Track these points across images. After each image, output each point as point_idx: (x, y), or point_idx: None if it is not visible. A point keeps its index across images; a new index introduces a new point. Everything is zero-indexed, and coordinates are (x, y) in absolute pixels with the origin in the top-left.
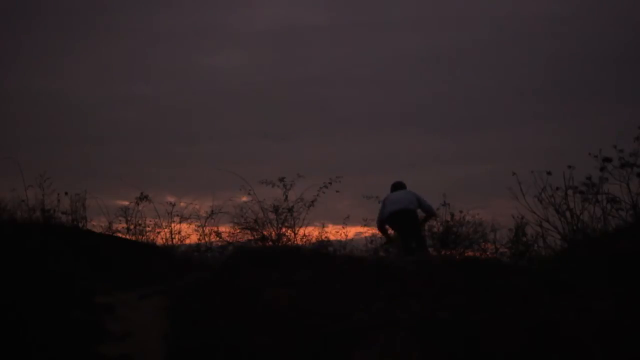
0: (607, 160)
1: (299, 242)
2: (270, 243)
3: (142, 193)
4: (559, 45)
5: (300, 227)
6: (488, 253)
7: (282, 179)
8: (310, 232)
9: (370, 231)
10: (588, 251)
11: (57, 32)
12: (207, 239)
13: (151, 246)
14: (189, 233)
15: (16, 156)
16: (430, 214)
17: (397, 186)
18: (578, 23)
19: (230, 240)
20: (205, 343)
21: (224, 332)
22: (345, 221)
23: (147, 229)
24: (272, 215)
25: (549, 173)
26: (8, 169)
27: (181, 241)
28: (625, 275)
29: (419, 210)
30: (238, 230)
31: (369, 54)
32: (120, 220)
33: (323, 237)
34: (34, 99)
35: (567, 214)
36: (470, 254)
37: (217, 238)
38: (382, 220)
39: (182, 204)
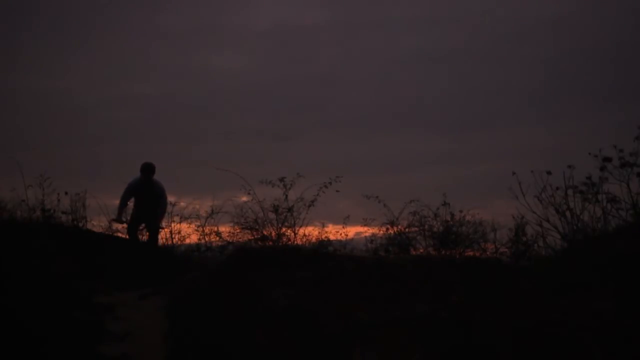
0: (607, 160)
1: (299, 242)
2: (270, 243)
3: None
4: (559, 45)
5: (300, 227)
6: (488, 253)
7: (282, 179)
8: (310, 232)
9: (370, 231)
10: (588, 251)
11: (58, 32)
12: (207, 239)
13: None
14: (189, 233)
15: (16, 156)
16: None
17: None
18: (577, 23)
19: (230, 240)
20: (205, 343)
21: (224, 332)
22: (345, 221)
23: None
24: (272, 215)
25: (549, 173)
26: (8, 169)
27: (181, 241)
28: (625, 275)
29: None
30: (238, 230)
31: (369, 53)
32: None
33: (323, 237)
34: (34, 99)
35: (567, 214)
36: (470, 253)
37: (217, 238)
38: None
39: (182, 204)
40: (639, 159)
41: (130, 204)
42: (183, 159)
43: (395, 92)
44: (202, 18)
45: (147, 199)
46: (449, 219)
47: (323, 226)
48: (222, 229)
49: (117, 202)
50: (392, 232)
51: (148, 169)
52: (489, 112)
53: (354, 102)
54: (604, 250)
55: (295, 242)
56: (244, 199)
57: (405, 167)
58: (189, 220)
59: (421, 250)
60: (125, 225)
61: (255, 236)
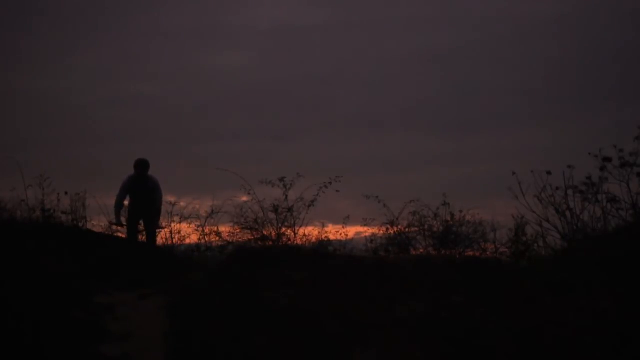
0: (607, 160)
1: (299, 242)
2: (270, 243)
3: None
4: (559, 44)
5: (300, 227)
6: (488, 253)
7: (282, 179)
8: (310, 232)
9: (370, 231)
10: (588, 251)
11: (58, 32)
12: (207, 239)
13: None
14: (189, 233)
15: (16, 156)
16: None
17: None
18: (577, 23)
19: (230, 240)
20: (205, 343)
21: (223, 332)
22: (345, 221)
23: None
24: (272, 215)
25: (549, 173)
26: (8, 169)
27: (181, 241)
28: (625, 275)
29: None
30: (238, 230)
31: (369, 53)
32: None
33: (323, 237)
34: (34, 99)
35: (567, 214)
36: (470, 253)
37: (217, 238)
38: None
39: (182, 204)
40: (639, 159)
41: (126, 202)
42: (183, 159)
43: (395, 92)
44: (202, 18)
45: (143, 195)
46: (449, 219)
47: (323, 226)
48: (222, 229)
49: (113, 201)
50: (392, 232)
51: (142, 165)
52: (489, 112)
53: (354, 102)
54: (604, 250)
55: (295, 242)
56: (244, 199)
57: (405, 167)
58: (189, 220)
59: (421, 250)
60: (125, 226)
61: (255, 236)
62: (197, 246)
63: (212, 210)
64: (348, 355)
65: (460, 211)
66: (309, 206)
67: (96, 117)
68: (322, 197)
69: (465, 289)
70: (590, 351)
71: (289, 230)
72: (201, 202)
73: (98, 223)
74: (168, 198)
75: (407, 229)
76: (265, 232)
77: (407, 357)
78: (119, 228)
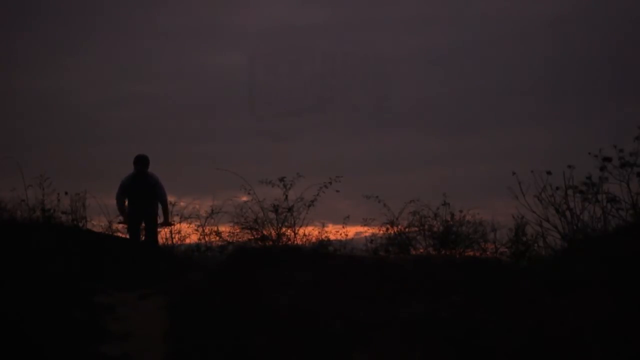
0: (607, 159)
1: (299, 242)
2: (270, 243)
3: None
4: (559, 45)
5: (300, 227)
6: (488, 253)
7: (282, 179)
8: (310, 232)
9: (370, 231)
10: (588, 251)
11: (57, 32)
12: (207, 239)
13: None
14: (189, 233)
15: (16, 156)
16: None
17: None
18: (578, 23)
19: (230, 240)
20: (205, 343)
21: (223, 332)
22: (345, 221)
23: None
24: (272, 215)
25: (549, 173)
26: (8, 169)
27: (181, 241)
28: (625, 275)
29: None
30: (238, 230)
31: (369, 53)
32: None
33: (323, 237)
34: (34, 99)
35: (567, 213)
36: (470, 253)
37: (217, 238)
38: None
39: (182, 204)
40: (639, 159)
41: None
42: (183, 159)
43: (395, 92)
44: (202, 18)
45: (144, 192)
46: (449, 219)
47: (323, 226)
48: (222, 229)
49: (113, 201)
50: (392, 232)
51: (142, 161)
52: (489, 112)
53: (353, 102)
54: (604, 250)
55: (295, 242)
56: (244, 199)
57: (405, 167)
58: (189, 220)
59: (421, 250)
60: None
61: (255, 236)
62: (197, 246)
63: (212, 210)
64: (348, 355)
65: (460, 211)
66: (309, 206)
67: (96, 117)
68: (322, 197)
69: (465, 289)
70: (590, 351)
71: (289, 230)
72: (201, 202)
73: (98, 223)
74: (168, 198)
75: (407, 229)
76: (265, 232)
77: (407, 357)
78: (120, 227)
